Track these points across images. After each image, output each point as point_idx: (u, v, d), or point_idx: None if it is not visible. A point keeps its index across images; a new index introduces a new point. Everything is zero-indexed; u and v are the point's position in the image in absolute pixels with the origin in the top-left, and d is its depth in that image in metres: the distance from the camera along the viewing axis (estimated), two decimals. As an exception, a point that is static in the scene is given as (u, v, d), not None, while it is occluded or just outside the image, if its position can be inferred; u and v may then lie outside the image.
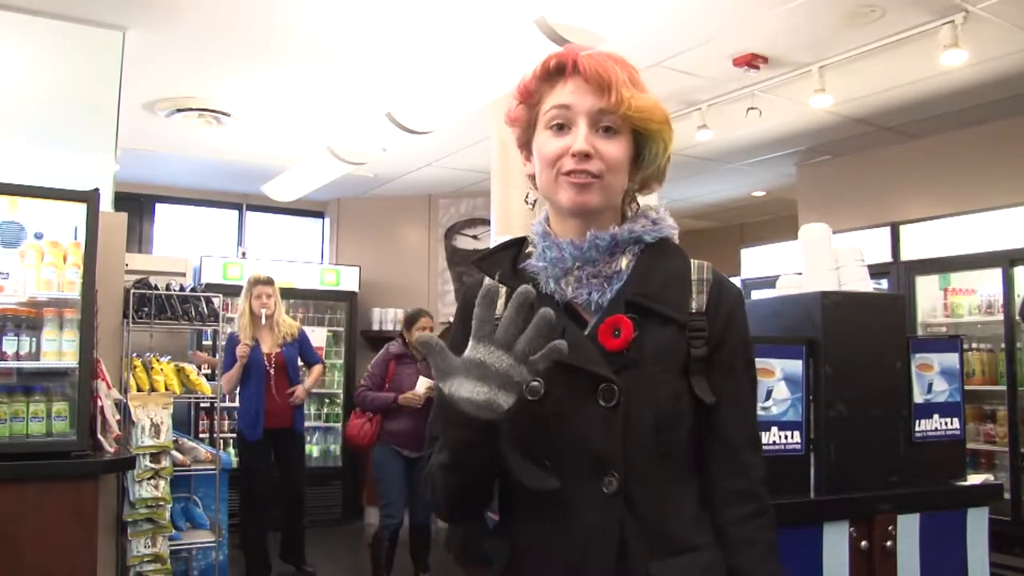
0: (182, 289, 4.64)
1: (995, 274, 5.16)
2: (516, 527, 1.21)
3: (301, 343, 5.10)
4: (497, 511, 1.27)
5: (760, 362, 2.25)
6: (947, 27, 4.02)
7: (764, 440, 2.28)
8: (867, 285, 2.82)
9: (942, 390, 2.65)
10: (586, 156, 1.16)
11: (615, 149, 1.18)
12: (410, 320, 4.92)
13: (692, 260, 1.26)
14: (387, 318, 7.82)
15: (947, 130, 5.87)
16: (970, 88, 5.02)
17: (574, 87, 1.19)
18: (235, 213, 8.31)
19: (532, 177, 1.28)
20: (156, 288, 4.34)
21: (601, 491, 1.14)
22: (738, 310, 1.26)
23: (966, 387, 2.84)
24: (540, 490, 1.13)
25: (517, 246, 1.30)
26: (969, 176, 5.77)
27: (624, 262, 1.21)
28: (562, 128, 1.19)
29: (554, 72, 1.21)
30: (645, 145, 1.22)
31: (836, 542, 2.34)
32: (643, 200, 1.31)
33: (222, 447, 5.47)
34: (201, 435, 6.31)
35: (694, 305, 1.22)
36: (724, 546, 1.20)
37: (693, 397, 1.19)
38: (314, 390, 7.30)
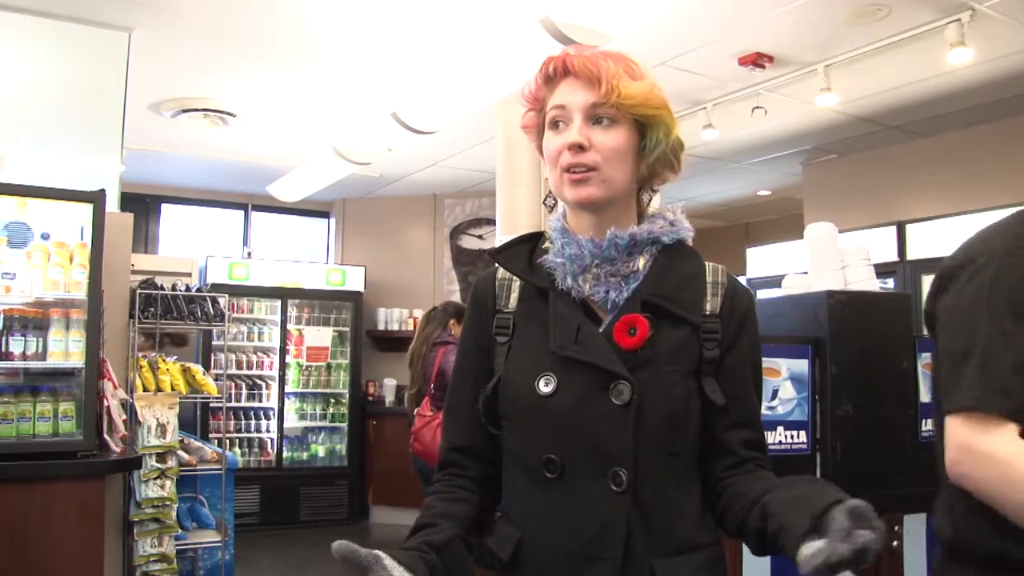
0: (188, 289, 4.64)
1: (1002, 273, 5.13)
2: (522, 520, 1.21)
3: None
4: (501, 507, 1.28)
5: (766, 361, 2.25)
6: (953, 25, 4.00)
7: (769, 440, 2.27)
8: (873, 284, 2.81)
9: (949, 389, 2.64)
10: (580, 148, 1.18)
11: (611, 139, 1.19)
12: (462, 314, 4.74)
13: (707, 263, 1.27)
14: (392, 318, 7.83)
15: (953, 129, 5.85)
16: (977, 87, 5.00)
17: (567, 86, 1.22)
18: (241, 213, 8.33)
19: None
20: (162, 288, 4.34)
21: (609, 487, 1.14)
22: (751, 314, 1.26)
23: (973, 387, 2.82)
24: None
25: (533, 240, 1.31)
26: (976, 175, 5.75)
27: (641, 262, 1.22)
28: (560, 126, 1.22)
29: (552, 75, 1.24)
30: (647, 133, 1.23)
31: (842, 542, 2.33)
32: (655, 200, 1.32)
33: (228, 447, 5.48)
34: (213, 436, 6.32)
35: (708, 307, 1.23)
36: (733, 490, 1.19)
37: (702, 398, 1.20)
38: (319, 390, 7.38)
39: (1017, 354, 1.19)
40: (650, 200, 1.30)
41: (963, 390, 1.21)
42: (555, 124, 1.22)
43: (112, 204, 3.74)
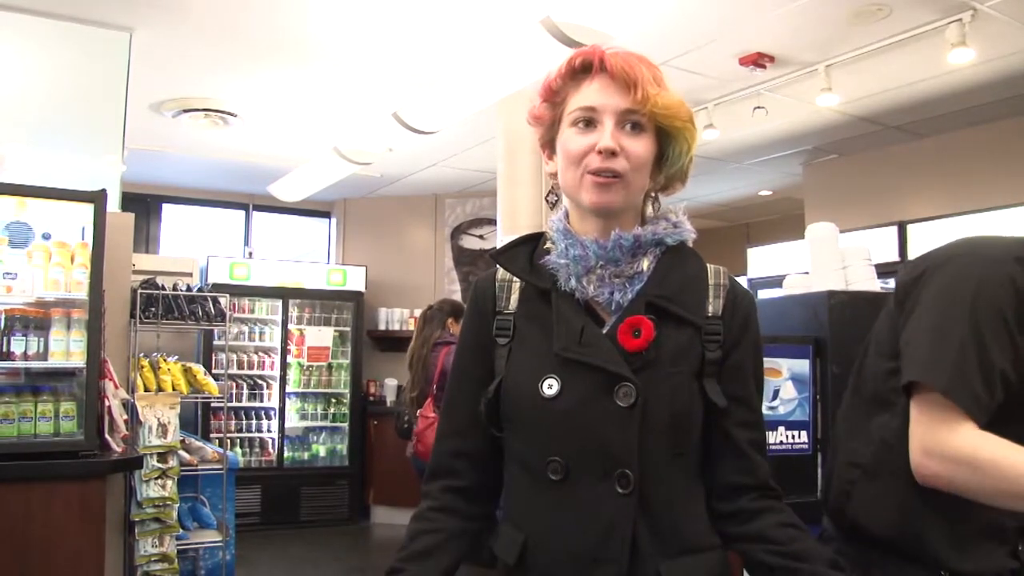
0: (189, 289, 4.64)
1: (1003, 273, 5.12)
2: (526, 523, 1.21)
3: None
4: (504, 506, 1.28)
5: (767, 362, 2.24)
6: (954, 25, 4.00)
7: (771, 440, 2.27)
8: (874, 284, 2.81)
9: (950, 389, 2.64)
10: (612, 153, 1.16)
11: (640, 147, 1.18)
12: (458, 312, 4.68)
13: (708, 264, 1.26)
14: (393, 318, 7.83)
15: (954, 129, 5.84)
16: (978, 87, 5.00)
17: (600, 85, 1.19)
18: (242, 213, 8.33)
19: (553, 176, 1.27)
20: (163, 288, 4.35)
21: (615, 490, 1.14)
22: (752, 316, 1.26)
23: (974, 386, 2.82)
24: None
25: (534, 241, 1.30)
26: (977, 175, 5.74)
27: (645, 263, 1.21)
28: (588, 125, 1.19)
29: (580, 70, 1.21)
30: (669, 144, 1.22)
31: (843, 542, 2.33)
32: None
33: (229, 447, 5.48)
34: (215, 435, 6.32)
35: (710, 309, 1.22)
36: (742, 521, 1.20)
37: (704, 399, 1.19)
38: (320, 390, 7.39)
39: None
40: (658, 208, 1.30)
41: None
42: (580, 123, 1.19)
43: (113, 204, 3.74)
